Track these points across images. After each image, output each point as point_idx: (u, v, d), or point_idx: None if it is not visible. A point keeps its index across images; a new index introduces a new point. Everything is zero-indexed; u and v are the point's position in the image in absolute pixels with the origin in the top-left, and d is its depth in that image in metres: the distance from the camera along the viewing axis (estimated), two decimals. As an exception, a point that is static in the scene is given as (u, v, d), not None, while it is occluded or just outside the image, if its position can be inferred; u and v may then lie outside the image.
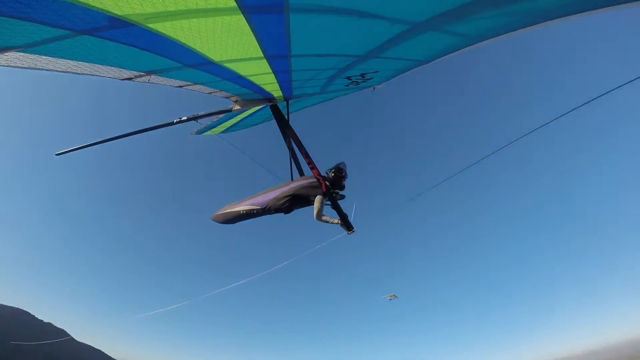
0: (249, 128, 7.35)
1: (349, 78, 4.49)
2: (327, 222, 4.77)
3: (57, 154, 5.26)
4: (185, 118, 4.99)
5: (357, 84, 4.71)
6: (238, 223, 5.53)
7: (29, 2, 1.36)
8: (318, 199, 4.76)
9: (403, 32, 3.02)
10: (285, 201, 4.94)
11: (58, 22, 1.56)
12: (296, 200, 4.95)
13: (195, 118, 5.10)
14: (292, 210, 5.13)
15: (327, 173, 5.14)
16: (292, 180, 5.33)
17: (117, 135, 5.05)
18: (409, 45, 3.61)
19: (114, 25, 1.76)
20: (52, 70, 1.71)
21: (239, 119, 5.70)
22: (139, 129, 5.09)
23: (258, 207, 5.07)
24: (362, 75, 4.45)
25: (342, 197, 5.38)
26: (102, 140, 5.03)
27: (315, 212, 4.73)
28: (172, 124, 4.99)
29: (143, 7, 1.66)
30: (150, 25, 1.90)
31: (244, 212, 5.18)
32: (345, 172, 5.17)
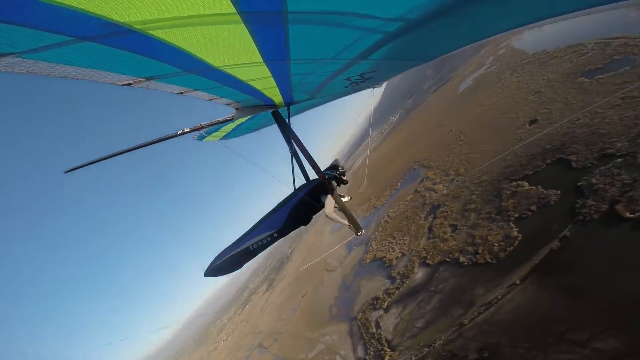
0: (249, 133, 7.42)
1: (348, 79, 4.50)
2: (337, 221, 4.75)
3: (65, 172, 5.34)
4: (189, 129, 5.04)
5: (357, 84, 4.73)
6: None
7: (28, 7, 1.37)
8: (329, 197, 4.81)
9: (399, 31, 3.02)
10: (301, 211, 4.86)
11: (57, 28, 1.58)
12: (310, 208, 4.96)
13: (199, 129, 5.15)
14: (310, 220, 5.09)
15: (332, 172, 5.25)
16: (294, 190, 5.22)
17: (123, 149, 5.11)
18: (407, 44, 3.61)
19: (114, 31, 1.77)
20: (51, 76, 1.72)
21: (238, 124, 5.75)
22: (142, 143, 5.16)
23: (274, 231, 4.71)
24: (361, 75, 4.46)
25: (349, 198, 5.37)
26: (108, 155, 5.10)
27: (326, 209, 4.72)
28: (175, 135, 5.04)
29: (143, 14, 1.68)
30: (150, 32, 1.92)
31: (256, 245, 4.73)
32: (342, 165, 5.37)
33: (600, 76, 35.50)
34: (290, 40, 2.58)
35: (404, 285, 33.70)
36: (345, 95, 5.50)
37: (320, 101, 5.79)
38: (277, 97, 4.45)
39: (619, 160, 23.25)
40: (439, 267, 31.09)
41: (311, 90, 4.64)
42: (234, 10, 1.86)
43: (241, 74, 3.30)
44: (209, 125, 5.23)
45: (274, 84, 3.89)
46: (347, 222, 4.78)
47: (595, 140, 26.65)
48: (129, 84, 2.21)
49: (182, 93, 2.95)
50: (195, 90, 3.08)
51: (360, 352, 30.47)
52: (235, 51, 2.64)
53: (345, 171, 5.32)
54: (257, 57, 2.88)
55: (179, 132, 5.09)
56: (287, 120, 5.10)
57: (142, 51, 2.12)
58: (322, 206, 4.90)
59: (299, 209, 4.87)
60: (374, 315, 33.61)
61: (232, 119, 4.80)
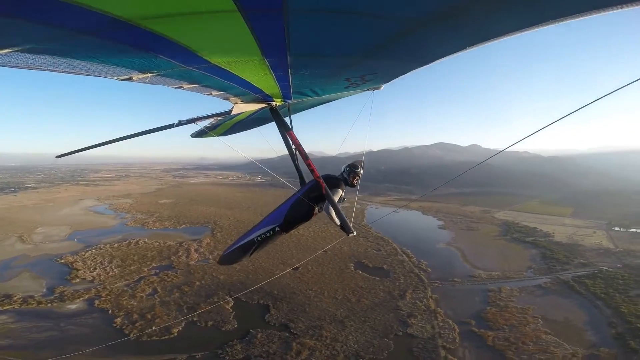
0: (249, 130, 7.39)
1: (348, 79, 4.49)
2: (331, 217, 4.78)
3: (57, 157, 5.30)
4: (186, 120, 5.00)
5: (357, 86, 4.71)
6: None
7: (27, 1, 1.37)
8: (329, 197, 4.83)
9: (401, 31, 3.02)
10: (302, 208, 4.99)
11: (57, 22, 1.57)
12: (310, 205, 5.00)
13: (197, 120, 5.11)
14: (312, 216, 5.16)
15: (343, 170, 5.29)
16: (301, 186, 5.40)
17: (118, 137, 5.07)
18: (408, 45, 3.61)
19: (113, 25, 1.77)
20: (51, 70, 1.72)
21: (238, 120, 5.71)
22: (141, 130, 5.11)
23: (275, 226, 5.01)
24: (362, 76, 4.45)
25: (343, 199, 5.39)
26: (102, 143, 5.05)
27: (326, 207, 4.83)
28: (173, 126, 5.00)
29: (142, 8, 1.68)
30: (150, 26, 1.91)
31: (260, 238, 5.04)
32: (361, 169, 5.27)
33: (360, 272, 40.80)
34: (291, 37, 2.58)
35: (52, 305, 32.08)
36: (346, 96, 5.48)
37: (321, 100, 5.77)
38: (276, 94, 4.44)
39: (287, 334, 27.33)
40: (97, 312, 30.77)
41: (310, 89, 4.63)
42: (234, 7, 1.86)
43: (240, 70, 3.28)
44: (206, 117, 5.19)
45: (274, 80, 3.87)
46: (338, 222, 4.80)
47: (293, 310, 30.65)
48: (129, 79, 2.20)
49: (181, 87, 2.94)
50: (194, 84, 3.07)
51: None
52: (235, 47, 2.63)
53: (358, 176, 5.24)
54: (257, 53, 2.87)
55: (175, 123, 5.05)
56: (287, 118, 5.10)
57: (142, 45, 2.12)
58: (322, 204, 4.96)
59: (297, 207, 5.04)
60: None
61: (230, 114, 4.78)
